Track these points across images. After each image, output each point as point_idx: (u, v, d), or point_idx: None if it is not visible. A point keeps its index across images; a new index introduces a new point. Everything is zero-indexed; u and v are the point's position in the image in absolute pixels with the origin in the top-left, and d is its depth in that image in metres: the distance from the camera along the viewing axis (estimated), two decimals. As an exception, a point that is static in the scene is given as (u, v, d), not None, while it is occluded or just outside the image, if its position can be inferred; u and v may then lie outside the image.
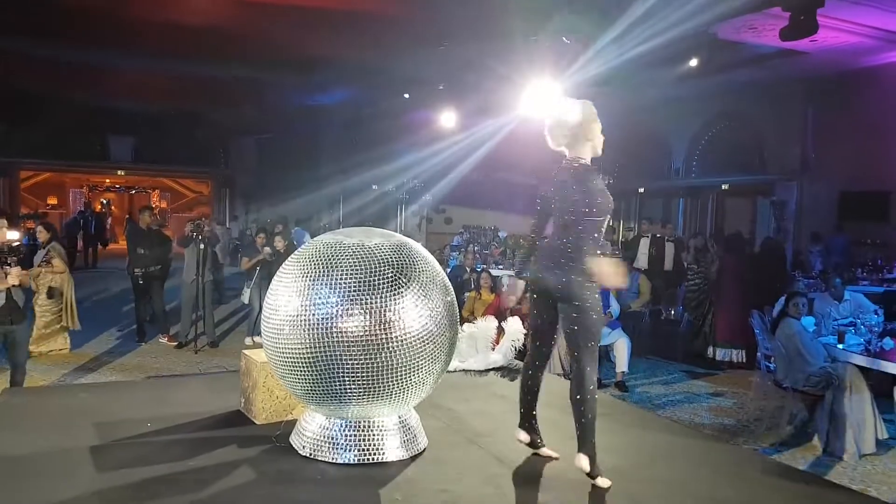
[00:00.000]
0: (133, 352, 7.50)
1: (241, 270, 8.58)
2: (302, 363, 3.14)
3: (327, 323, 3.06)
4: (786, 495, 3.11)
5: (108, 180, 24.55)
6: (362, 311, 3.06)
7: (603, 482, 2.98)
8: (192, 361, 7.13)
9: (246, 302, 8.14)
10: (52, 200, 24.07)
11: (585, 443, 3.01)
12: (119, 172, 20.70)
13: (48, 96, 15.82)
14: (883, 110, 11.29)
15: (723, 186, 14.74)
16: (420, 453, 3.38)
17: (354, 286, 3.08)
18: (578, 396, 3.00)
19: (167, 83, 14.81)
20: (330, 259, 3.19)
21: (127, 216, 16.05)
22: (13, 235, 4.72)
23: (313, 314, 3.08)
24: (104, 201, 26.58)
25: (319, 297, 3.09)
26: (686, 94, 13.13)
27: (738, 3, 7.70)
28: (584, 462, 2.98)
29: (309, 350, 3.10)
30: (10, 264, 4.55)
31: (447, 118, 12.79)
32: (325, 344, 3.06)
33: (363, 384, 3.12)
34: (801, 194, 12.79)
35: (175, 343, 7.70)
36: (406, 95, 14.34)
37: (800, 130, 12.87)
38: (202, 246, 7.42)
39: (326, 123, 17.99)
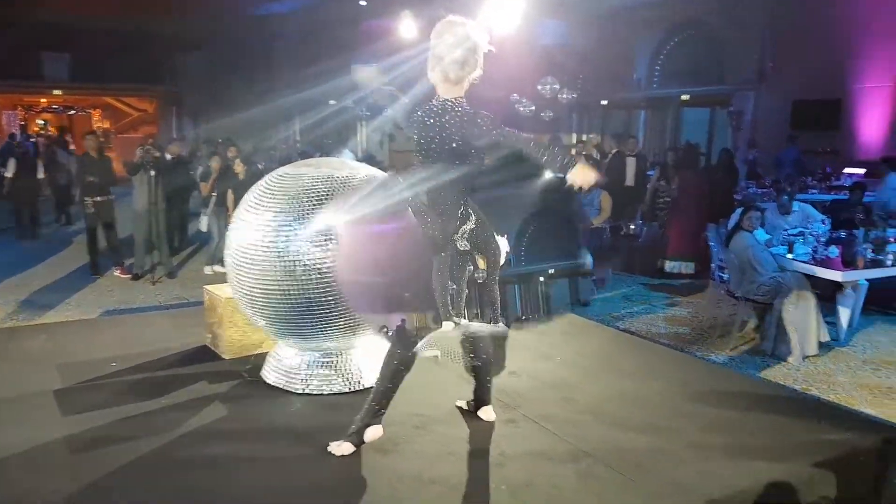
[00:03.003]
0: (89, 286, 7.31)
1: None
2: (276, 299, 3.11)
3: (299, 257, 3.03)
4: (736, 399, 3.32)
5: (43, 100, 23.15)
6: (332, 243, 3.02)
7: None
8: (151, 293, 7.00)
9: (203, 230, 7.96)
10: (-15, 123, 22.67)
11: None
12: (56, 92, 19.52)
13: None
14: (837, 17, 11.25)
15: (682, 97, 14.70)
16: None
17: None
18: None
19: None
20: (297, 191, 3.13)
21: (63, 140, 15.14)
22: None
23: (285, 248, 3.04)
24: (41, 122, 25.18)
25: (290, 230, 3.05)
26: (650, 1, 12.82)
27: None
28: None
29: (282, 285, 3.07)
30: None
31: (407, 27, 12.18)
32: (298, 278, 3.04)
33: (339, 317, 3.12)
34: (757, 104, 12.88)
35: (129, 275, 7.52)
36: (363, 2, 13.66)
37: (757, 40, 12.78)
38: (153, 173, 7.13)
39: (279, 34, 17.09)
